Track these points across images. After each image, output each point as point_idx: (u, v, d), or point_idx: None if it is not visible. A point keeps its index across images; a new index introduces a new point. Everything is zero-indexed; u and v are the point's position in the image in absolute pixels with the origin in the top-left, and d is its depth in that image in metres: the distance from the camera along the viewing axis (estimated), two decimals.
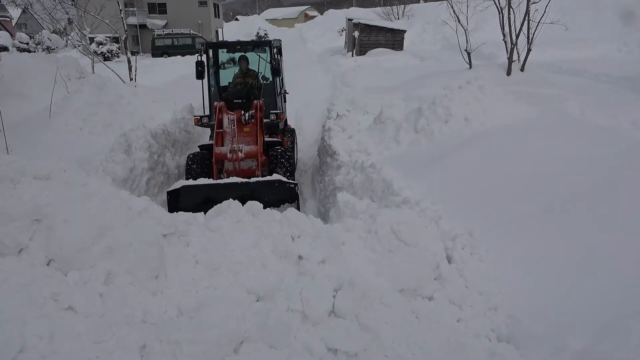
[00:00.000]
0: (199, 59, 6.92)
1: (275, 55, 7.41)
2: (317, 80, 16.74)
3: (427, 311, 2.91)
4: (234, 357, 2.36)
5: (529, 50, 9.53)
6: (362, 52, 22.68)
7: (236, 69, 7.74)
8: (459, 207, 4.02)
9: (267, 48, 7.62)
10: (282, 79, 8.06)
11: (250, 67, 7.55)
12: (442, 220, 3.69)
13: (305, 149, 9.00)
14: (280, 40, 7.48)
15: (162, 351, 2.20)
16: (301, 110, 12.00)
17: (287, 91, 8.75)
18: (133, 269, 2.58)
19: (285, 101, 8.44)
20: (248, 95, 7.18)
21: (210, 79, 7.51)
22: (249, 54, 7.58)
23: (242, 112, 6.44)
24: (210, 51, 7.59)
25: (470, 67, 10.71)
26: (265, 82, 7.78)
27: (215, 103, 6.56)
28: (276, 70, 7.14)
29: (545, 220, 3.54)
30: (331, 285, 2.87)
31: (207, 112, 7.22)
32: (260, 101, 6.69)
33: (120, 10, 12.25)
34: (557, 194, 3.78)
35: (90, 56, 14.09)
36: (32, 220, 2.44)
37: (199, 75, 6.95)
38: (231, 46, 7.67)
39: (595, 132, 5.09)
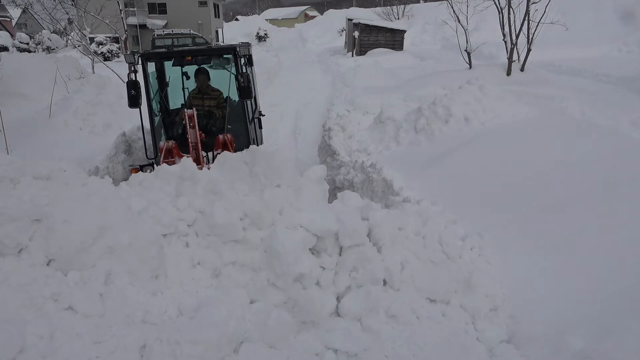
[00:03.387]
0: (132, 78, 4.85)
1: (244, 68, 5.23)
2: (317, 80, 16.76)
3: (427, 311, 2.91)
4: (234, 357, 2.36)
5: (528, 50, 9.55)
6: (362, 52, 22.70)
7: (189, 87, 5.63)
8: (458, 207, 4.02)
9: (230, 57, 5.30)
10: (255, 97, 5.97)
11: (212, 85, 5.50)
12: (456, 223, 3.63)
13: (305, 149, 9.01)
14: (249, 45, 5.40)
15: (162, 351, 2.20)
16: (301, 110, 12.03)
17: (262, 113, 6.58)
18: (133, 269, 2.58)
19: (260, 127, 6.39)
20: (208, 127, 5.28)
21: (152, 104, 5.31)
22: (205, 66, 5.42)
23: (204, 153, 4.52)
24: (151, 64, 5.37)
25: (470, 67, 10.72)
26: (230, 101, 5.56)
27: (162, 144, 4.63)
28: (246, 90, 4.88)
29: (545, 220, 3.53)
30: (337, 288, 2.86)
31: (151, 156, 5.18)
32: (229, 136, 4.73)
33: (120, 10, 12.28)
34: (557, 194, 3.78)
35: (90, 56, 14.13)
36: (32, 220, 2.44)
37: (133, 102, 4.83)
38: (177, 56, 5.23)
39: (595, 132, 5.08)
